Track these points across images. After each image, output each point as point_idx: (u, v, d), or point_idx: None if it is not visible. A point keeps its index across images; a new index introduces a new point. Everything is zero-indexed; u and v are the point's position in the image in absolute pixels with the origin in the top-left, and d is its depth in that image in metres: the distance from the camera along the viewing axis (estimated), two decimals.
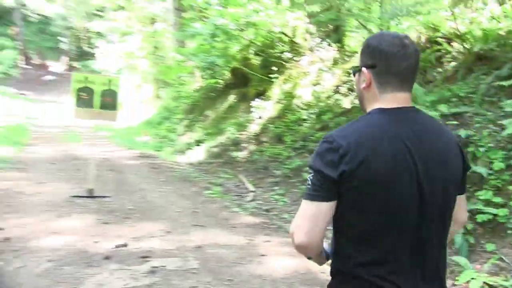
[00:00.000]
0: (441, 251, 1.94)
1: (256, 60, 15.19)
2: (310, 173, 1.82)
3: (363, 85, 1.93)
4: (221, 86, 16.51)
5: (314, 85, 12.20)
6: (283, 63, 14.01)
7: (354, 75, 2.03)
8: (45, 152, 13.72)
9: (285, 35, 14.07)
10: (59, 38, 44.03)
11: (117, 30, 28.98)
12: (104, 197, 8.59)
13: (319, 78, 12.30)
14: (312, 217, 1.81)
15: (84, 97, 8.53)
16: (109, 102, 8.62)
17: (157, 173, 11.23)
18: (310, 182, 1.82)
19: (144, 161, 12.63)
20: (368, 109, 1.94)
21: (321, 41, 12.81)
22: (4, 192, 8.64)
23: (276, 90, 13.30)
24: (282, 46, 14.45)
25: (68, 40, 41.31)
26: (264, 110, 12.99)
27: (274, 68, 14.00)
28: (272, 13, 13.46)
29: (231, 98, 15.54)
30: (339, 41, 12.90)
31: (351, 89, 10.92)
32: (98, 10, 35.80)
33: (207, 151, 13.60)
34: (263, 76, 14.18)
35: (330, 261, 2.01)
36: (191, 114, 17.25)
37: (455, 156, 1.95)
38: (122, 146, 15.69)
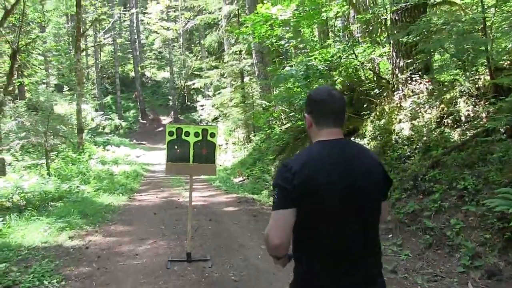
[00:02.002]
0: (367, 241, 2.10)
1: None
2: (274, 190, 2.06)
3: (307, 126, 2.24)
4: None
5: (412, 119, 9.34)
6: (372, 99, 11.22)
7: (304, 119, 2.31)
8: (150, 200, 11.28)
9: (374, 71, 11.22)
10: (168, 97, 43.24)
11: (212, 86, 27.45)
12: (203, 260, 5.97)
13: (416, 112, 9.43)
14: (279, 223, 2.01)
15: (177, 151, 6.04)
16: (205, 154, 6.03)
17: (256, 222, 8.39)
18: (274, 196, 2.05)
19: (242, 207, 9.83)
20: (312, 141, 2.21)
21: (410, 74, 9.96)
22: (105, 253, 6.36)
23: (369, 127, 10.45)
24: (369, 82, 11.67)
25: (174, 98, 40.51)
26: None
27: (364, 105, 11.23)
28: (359, 50, 10.69)
29: None
30: (428, 72, 10.06)
31: (457, 120, 8.03)
32: (196, 70, 34.69)
33: None
34: (351, 114, 11.42)
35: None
36: (282, 155, 14.52)
37: (377, 172, 2.15)
38: (219, 189, 13.06)
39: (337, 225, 2.02)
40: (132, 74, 45.56)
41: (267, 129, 17.65)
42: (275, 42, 11.74)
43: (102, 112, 35.71)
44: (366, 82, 12.00)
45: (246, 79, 24.89)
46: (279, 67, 15.37)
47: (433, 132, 8.56)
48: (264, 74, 21.15)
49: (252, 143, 20.75)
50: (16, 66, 18.80)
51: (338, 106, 2.15)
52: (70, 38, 33.78)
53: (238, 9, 23.10)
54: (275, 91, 22.54)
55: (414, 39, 9.01)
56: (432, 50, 9.52)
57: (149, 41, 46.47)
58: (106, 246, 6.84)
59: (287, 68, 10.78)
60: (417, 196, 7.60)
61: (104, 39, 27.58)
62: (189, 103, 40.95)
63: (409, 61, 9.80)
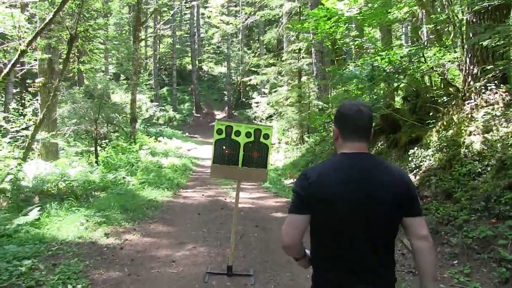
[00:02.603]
0: (375, 252, 2.14)
1: (404, 105, 11.44)
2: (293, 195, 2.23)
3: (334, 138, 2.35)
4: None
5: (485, 132, 8.31)
6: (439, 107, 10.20)
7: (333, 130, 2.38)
8: (195, 198, 10.73)
9: (443, 77, 10.17)
10: (223, 92, 43.06)
11: (268, 83, 26.80)
12: (245, 275, 5.29)
13: (490, 125, 8.38)
14: (291, 225, 2.18)
15: (225, 152, 5.34)
16: (257, 158, 5.31)
17: (307, 234, 7.69)
18: (292, 201, 2.23)
19: None
20: (337, 152, 2.31)
21: (485, 82, 8.90)
22: (140, 256, 5.82)
23: (434, 137, 9.44)
24: (437, 89, 10.63)
25: (230, 93, 40.21)
26: (422, 159, 9.21)
27: (429, 113, 10.23)
28: (428, 54, 9.66)
29: (380, 143, 11.76)
30: (505, 82, 9.00)
31: None
32: (254, 67, 34.16)
33: None
34: (414, 122, 10.45)
35: None
36: None
37: (397, 187, 2.15)
38: (269, 191, 12.31)
39: (347, 235, 2.13)
40: (189, 67, 45.70)
41: (322, 131, 16.76)
42: (339, 40, 10.86)
43: (157, 103, 35.84)
44: (434, 88, 10.97)
45: (304, 78, 24.11)
46: (340, 67, 14.45)
47: (509, 149, 7.54)
48: (323, 74, 20.48)
49: (305, 144, 19.95)
50: (74, 52, 18.87)
51: (364, 122, 2.23)
52: (131, 28, 33.98)
53: (300, 6, 22.33)
54: (333, 92, 21.84)
55: (497, 43, 7.98)
56: None
57: (208, 35, 46.43)
58: (142, 248, 6.31)
59: (351, 67, 9.89)
60: (489, 220, 6.65)
61: (163, 30, 27.46)
62: (244, 99, 40.49)
63: (488, 67, 8.72)
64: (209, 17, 29.65)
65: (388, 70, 8.74)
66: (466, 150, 8.30)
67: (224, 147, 5.29)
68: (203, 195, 11.07)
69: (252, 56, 39.05)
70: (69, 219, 7.37)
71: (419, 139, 10.18)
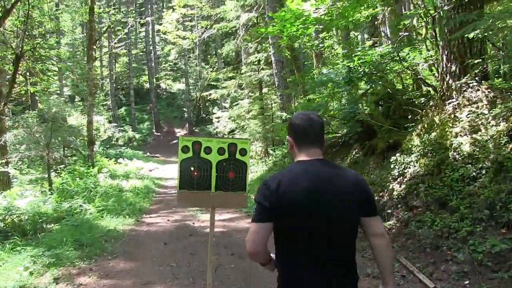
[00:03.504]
0: (337, 251, 2.23)
1: (376, 109, 10.64)
2: (255, 205, 2.26)
3: (289, 148, 2.42)
4: (340, 139, 11.78)
5: (473, 132, 7.57)
6: (416, 109, 9.47)
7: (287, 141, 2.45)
8: (160, 224, 9.51)
9: (418, 77, 9.43)
10: (183, 109, 41.84)
11: (228, 97, 25.94)
12: None
13: (477, 124, 7.66)
14: (254, 233, 2.24)
15: (193, 174, 4.28)
16: (233, 179, 4.23)
17: None
18: (254, 210, 2.27)
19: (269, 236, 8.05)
20: (294, 161, 2.38)
21: (466, 80, 8.22)
22: None
23: (416, 141, 8.65)
24: (412, 90, 9.89)
25: (190, 110, 39.11)
26: (406, 165, 8.39)
27: (405, 117, 9.50)
28: (402, 53, 8.90)
29: (354, 152, 10.90)
30: (486, 78, 8.37)
31: None
32: (213, 81, 33.32)
33: None
34: (390, 127, 9.68)
35: None
36: None
37: (353, 190, 2.25)
38: (239, 211, 11.21)
39: (310, 238, 2.19)
40: (147, 85, 44.30)
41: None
42: (307, 42, 9.99)
43: (115, 124, 34.33)
44: (409, 90, 10.24)
45: (264, 90, 23.32)
46: (303, 75, 13.62)
47: (503, 148, 6.81)
48: (285, 84, 19.69)
49: (271, 157, 19.01)
50: (21, 73, 17.41)
51: (316, 130, 2.33)
52: (85, 48, 32.54)
53: (257, 17, 21.59)
54: (296, 102, 21.13)
55: (478, 35, 7.29)
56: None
57: (164, 52, 45.16)
58: None
59: (324, 71, 9.02)
60: (497, 230, 5.85)
61: (118, 48, 26.22)
62: (204, 115, 39.43)
63: (472, 63, 8.01)
64: (164, 33, 28.55)
65: (367, 71, 7.87)
66: (455, 153, 7.52)
67: (192, 168, 4.17)
68: (168, 220, 9.89)
69: (210, 71, 38.08)
70: (12, 262, 6.14)
71: (398, 145, 9.37)
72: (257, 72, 22.70)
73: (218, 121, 29.19)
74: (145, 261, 6.58)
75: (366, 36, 15.54)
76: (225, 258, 6.54)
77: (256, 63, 22.68)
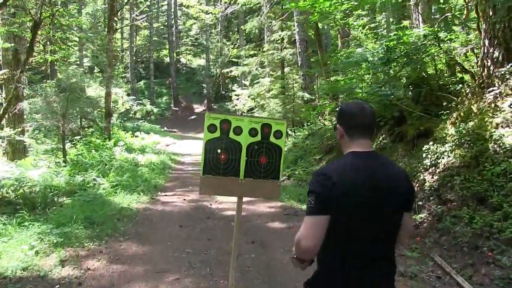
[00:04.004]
0: (391, 246, 2.25)
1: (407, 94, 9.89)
2: (311, 196, 2.07)
3: (338, 136, 2.32)
4: None
5: None
6: (451, 97, 8.74)
7: (335, 130, 2.38)
8: (176, 203, 9.02)
9: (456, 62, 8.65)
10: (202, 85, 41.16)
11: (249, 75, 25.18)
12: None
13: None
14: (315, 227, 2.03)
15: (220, 157, 3.69)
16: (266, 165, 3.64)
17: None
18: (311, 202, 2.06)
19: (292, 223, 7.29)
20: (345, 152, 2.26)
21: (510, 67, 7.47)
22: None
23: (451, 130, 7.95)
24: (449, 76, 9.12)
25: (209, 86, 38.44)
26: (439, 155, 7.71)
27: (437, 104, 8.78)
28: (441, 36, 8.12)
29: (381, 137, 10.22)
30: None
31: None
32: (234, 58, 32.50)
33: None
34: (421, 113, 8.97)
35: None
36: (330, 154, 12.10)
37: (404, 185, 2.21)
38: None
39: (368, 233, 2.11)
40: (167, 60, 43.61)
41: (312, 124, 15.16)
42: (340, 20, 9.21)
43: (134, 97, 33.83)
44: (445, 75, 9.47)
45: (286, 69, 22.53)
46: (330, 54, 12.84)
47: None
48: (308, 64, 18.95)
49: (290, 138, 18.37)
50: (40, 41, 16.93)
51: (369, 120, 2.25)
52: (106, 20, 32.01)
53: None
54: (317, 83, 20.40)
55: None
56: None
57: (186, 27, 44.41)
58: (109, 283, 4.66)
59: (359, 50, 8.26)
60: None
61: (139, 20, 25.57)
62: (223, 92, 38.70)
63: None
64: (187, 7, 27.77)
65: (407, 51, 7.13)
66: (495, 146, 6.84)
67: (219, 151, 3.59)
68: (184, 199, 9.36)
69: (232, 48, 37.27)
70: (18, 239, 5.68)
71: (430, 133, 8.68)
72: (279, 51, 22.00)
73: (238, 99, 28.59)
74: (159, 245, 6.07)
75: (391, 19, 14.63)
76: (245, 247, 5.99)
77: (279, 41, 21.95)
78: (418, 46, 7.53)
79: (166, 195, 9.86)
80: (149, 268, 5.14)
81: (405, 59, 7.59)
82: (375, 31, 9.30)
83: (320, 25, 18.36)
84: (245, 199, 3.81)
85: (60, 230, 6.09)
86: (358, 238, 2.10)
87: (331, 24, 25.00)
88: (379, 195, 2.10)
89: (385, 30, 10.47)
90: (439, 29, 7.72)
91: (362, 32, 10.15)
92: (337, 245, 2.12)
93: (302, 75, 19.20)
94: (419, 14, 11.32)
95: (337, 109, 2.38)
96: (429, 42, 7.63)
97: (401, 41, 7.38)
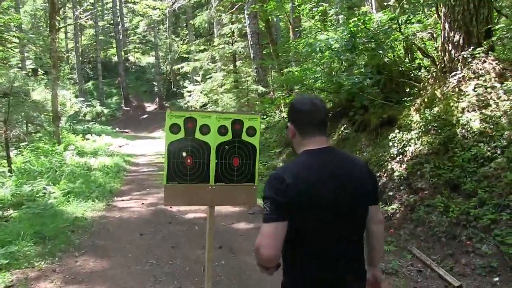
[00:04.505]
0: (356, 244, 2.10)
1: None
2: (266, 202, 1.92)
3: (290, 135, 2.16)
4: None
5: (483, 107, 6.70)
6: (412, 82, 8.56)
7: (286, 129, 2.24)
8: (134, 208, 8.39)
9: (418, 47, 8.44)
10: (153, 83, 40.07)
11: (201, 70, 24.56)
12: None
13: (485, 98, 6.80)
14: (273, 235, 1.87)
15: (186, 162, 3.16)
16: (239, 167, 3.20)
17: None
18: (266, 209, 1.91)
19: (257, 223, 6.82)
20: (298, 151, 2.13)
21: (471, 50, 7.34)
22: None
23: (415, 117, 7.75)
24: (409, 62, 8.92)
25: (160, 84, 37.46)
26: (405, 143, 7.49)
27: (403, 90, 8.58)
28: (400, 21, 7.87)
29: (343, 128, 9.95)
30: (492, 49, 7.51)
31: None
32: (184, 54, 31.73)
33: None
34: (383, 101, 8.75)
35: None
36: (290, 147, 11.75)
37: (366, 177, 2.12)
38: None
39: (332, 232, 1.99)
40: (115, 59, 42.17)
41: (270, 117, 14.79)
42: (298, 6, 8.80)
43: (82, 99, 32.46)
44: (405, 61, 9.28)
45: (238, 63, 22.10)
46: (290, 44, 12.45)
47: None
48: (261, 57, 18.57)
49: None
50: None
51: (321, 115, 2.11)
52: (48, 20, 30.43)
53: None
54: (271, 76, 20.10)
55: None
56: None
57: (133, 24, 42.98)
58: None
59: (322, 37, 7.87)
60: None
61: (83, 18, 24.40)
62: (175, 89, 37.78)
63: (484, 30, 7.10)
64: (134, 3, 26.68)
65: (374, 36, 6.81)
66: (463, 130, 6.68)
67: (184, 154, 3.09)
68: (142, 203, 8.75)
69: (181, 44, 36.37)
70: None
71: (393, 120, 8.47)
72: (231, 44, 21.52)
73: (190, 95, 27.88)
74: (119, 257, 5.51)
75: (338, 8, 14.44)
76: (213, 253, 5.50)
77: (229, 35, 21.47)
78: (382, 30, 7.22)
79: (123, 200, 9.22)
80: (110, 286, 4.58)
81: (372, 44, 7.25)
82: (329, 18, 8.96)
83: (269, 17, 18.03)
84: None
85: (5, 250, 5.40)
86: (316, 239, 1.97)
87: (281, 16, 24.81)
88: (341, 194, 1.98)
89: (339, 18, 10.16)
90: (399, 14, 7.45)
91: (315, 22, 9.79)
92: (299, 252, 2.00)
93: (255, 68, 18.83)
94: (372, 1, 11.12)
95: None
96: (390, 27, 7.33)
97: (363, 27, 7.05)
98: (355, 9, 11.80)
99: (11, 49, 23.72)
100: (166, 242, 6.11)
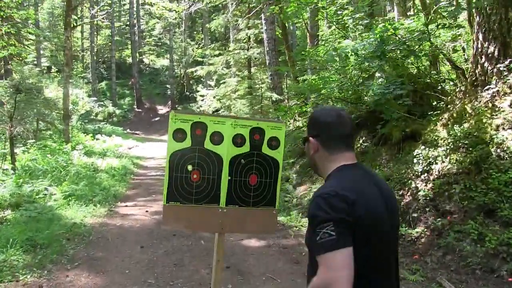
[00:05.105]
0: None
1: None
2: (327, 227, 1.53)
3: (312, 152, 1.86)
4: None
5: None
6: (440, 96, 7.92)
7: (304, 144, 1.94)
8: (137, 216, 7.79)
9: (448, 58, 7.81)
10: (166, 85, 39.65)
11: (215, 75, 24.19)
12: None
13: None
14: (348, 265, 1.50)
15: (192, 178, 2.54)
16: (257, 186, 2.53)
17: (304, 275, 4.97)
18: (330, 234, 1.52)
19: (272, 241, 6.10)
20: (324, 169, 1.84)
21: (508, 63, 6.70)
22: None
23: (442, 133, 7.11)
24: (437, 74, 8.29)
25: (173, 87, 37.09)
26: (431, 161, 6.85)
27: (430, 103, 7.96)
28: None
29: (361, 140, 9.32)
30: None
31: None
32: (199, 57, 31.32)
33: None
34: (406, 114, 8.11)
35: None
36: (304, 157, 11.12)
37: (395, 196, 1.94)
38: None
39: (387, 260, 1.75)
40: (130, 60, 41.83)
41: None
42: (324, 9, 8.19)
43: (95, 98, 32.08)
44: (430, 73, 8.64)
45: (253, 69, 21.60)
46: (299, 54, 11.89)
47: None
48: (277, 63, 18.04)
49: None
50: None
51: (349, 128, 1.84)
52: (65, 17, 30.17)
53: None
54: (286, 83, 19.58)
55: None
56: None
57: (149, 26, 42.70)
58: None
59: (346, 42, 7.25)
60: None
61: (99, 17, 24.08)
62: (188, 93, 37.35)
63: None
64: (150, 4, 26.28)
65: (406, 43, 6.20)
66: (499, 150, 6.03)
67: (190, 168, 2.49)
68: (147, 211, 8.18)
69: (196, 48, 35.96)
70: None
71: (417, 135, 7.83)
72: (246, 50, 21.00)
73: (203, 100, 27.54)
74: (115, 274, 4.92)
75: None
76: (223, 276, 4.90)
77: (245, 40, 20.98)
78: (412, 38, 6.61)
79: (126, 206, 8.67)
80: None
81: (403, 52, 6.64)
82: (352, 23, 8.36)
83: (286, 24, 17.53)
84: None
85: None
86: (375, 269, 1.68)
87: (298, 24, 24.29)
88: (391, 213, 1.76)
89: (359, 27, 9.56)
90: (432, 21, 6.84)
91: (337, 26, 9.18)
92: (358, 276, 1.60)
93: (270, 74, 18.30)
94: (395, 8, 10.52)
95: (309, 116, 1.95)
96: (422, 34, 6.72)
97: (392, 32, 6.45)
98: (376, 17, 11.22)
99: (27, 46, 23.46)
100: (168, 257, 5.52)
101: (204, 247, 5.95)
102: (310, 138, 1.85)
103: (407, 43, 6.55)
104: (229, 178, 2.56)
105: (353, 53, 6.60)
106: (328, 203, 1.59)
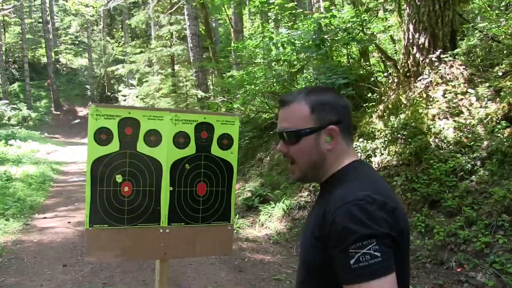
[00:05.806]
0: None
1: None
2: (368, 244, 1.11)
3: (328, 146, 1.33)
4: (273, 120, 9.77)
5: (455, 115, 6.01)
6: (373, 87, 7.79)
7: (297, 139, 1.33)
8: (58, 229, 6.90)
9: (380, 48, 7.67)
10: (85, 86, 37.79)
11: (137, 73, 23.21)
12: None
13: (457, 105, 6.12)
14: None
15: (123, 191, 1.98)
16: (206, 198, 1.99)
17: (248, 282, 4.45)
18: (374, 254, 1.11)
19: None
20: (332, 167, 1.35)
21: (438, 53, 6.67)
22: None
23: (379, 125, 6.95)
24: (370, 65, 8.15)
25: (93, 87, 35.30)
26: (369, 153, 6.66)
27: (365, 95, 7.81)
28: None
29: None
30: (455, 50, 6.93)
31: None
32: (120, 56, 30.06)
33: (286, 215, 7.15)
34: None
35: None
36: (244, 165, 10.61)
37: None
38: None
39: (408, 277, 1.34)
40: (45, 59, 39.23)
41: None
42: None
43: (6, 101, 29.69)
44: (366, 64, 8.52)
45: (176, 67, 20.91)
46: (232, 48, 11.44)
47: (497, 135, 5.34)
48: (201, 60, 17.47)
49: None
50: None
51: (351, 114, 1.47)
52: None
53: None
54: (212, 80, 19.10)
55: None
56: None
57: (64, 23, 40.25)
58: None
59: (283, 30, 6.79)
60: None
61: (6, 10, 22.18)
62: (109, 93, 35.75)
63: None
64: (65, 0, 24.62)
65: (346, 30, 5.90)
66: (437, 140, 5.94)
67: (118, 178, 1.92)
68: (69, 222, 7.34)
69: (116, 46, 34.43)
70: None
71: (353, 128, 7.67)
72: (169, 47, 20.23)
73: (125, 99, 26.40)
74: None
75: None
76: None
77: (168, 37, 20.25)
78: (346, 28, 6.35)
79: (45, 218, 7.75)
80: None
81: (344, 38, 6.35)
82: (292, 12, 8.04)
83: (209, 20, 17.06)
84: None
85: None
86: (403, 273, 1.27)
87: (220, 21, 23.80)
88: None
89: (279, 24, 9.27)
90: (363, 13, 6.64)
91: (262, 22, 8.83)
92: None
93: (195, 71, 17.70)
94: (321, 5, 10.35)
95: (314, 97, 1.37)
96: (353, 26, 6.50)
97: (328, 21, 6.16)
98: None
99: None
100: (96, 276, 4.82)
101: (144, 266, 5.32)
102: (331, 126, 1.33)
103: (347, 30, 6.27)
104: (171, 189, 1.99)
105: (289, 42, 6.23)
106: (366, 212, 1.16)
